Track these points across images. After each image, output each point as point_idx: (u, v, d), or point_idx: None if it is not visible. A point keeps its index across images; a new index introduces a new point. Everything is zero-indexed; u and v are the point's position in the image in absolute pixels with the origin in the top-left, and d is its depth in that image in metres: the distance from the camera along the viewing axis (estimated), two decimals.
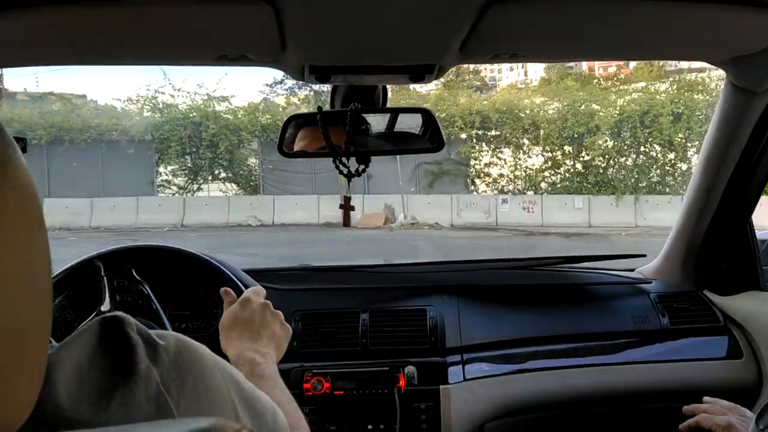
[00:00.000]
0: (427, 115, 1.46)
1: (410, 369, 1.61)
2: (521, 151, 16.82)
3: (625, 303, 1.83)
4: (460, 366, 1.66)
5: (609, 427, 1.74)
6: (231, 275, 1.62)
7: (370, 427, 1.58)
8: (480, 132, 16.52)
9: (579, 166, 16.34)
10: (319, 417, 1.58)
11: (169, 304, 1.75)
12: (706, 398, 1.31)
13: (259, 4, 0.92)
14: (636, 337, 1.77)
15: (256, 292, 1.13)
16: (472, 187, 17.36)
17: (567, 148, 16.23)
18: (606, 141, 15.84)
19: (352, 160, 1.42)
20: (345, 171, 1.42)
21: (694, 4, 0.99)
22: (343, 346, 1.68)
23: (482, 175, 17.19)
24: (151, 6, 0.93)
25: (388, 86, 1.47)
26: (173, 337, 0.56)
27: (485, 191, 17.43)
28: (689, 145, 15.10)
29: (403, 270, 2.04)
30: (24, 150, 0.73)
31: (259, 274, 1.84)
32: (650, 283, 1.91)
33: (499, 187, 17.13)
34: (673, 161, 15.84)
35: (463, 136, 16.21)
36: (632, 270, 2.05)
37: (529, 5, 0.97)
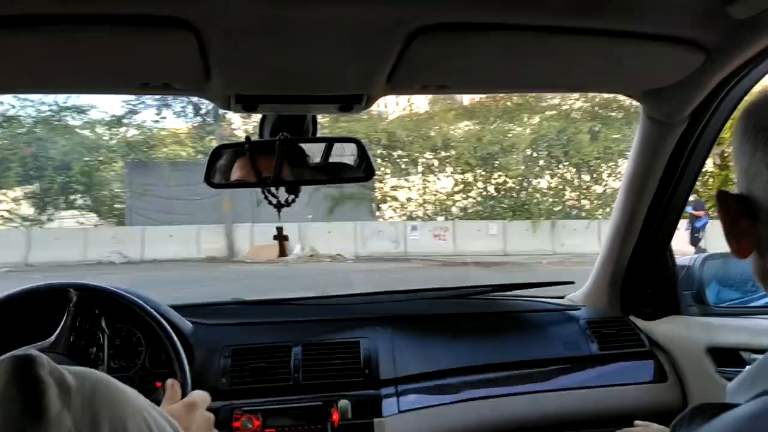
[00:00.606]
0: (357, 144, 1.46)
1: (344, 403, 1.58)
2: (431, 172, 16.15)
3: (557, 330, 1.86)
4: (395, 398, 1.64)
5: None
6: (155, 313, 1.55)
7: None
8: (386, 152, 15.55)
9: (492, 188, 16.06)
10: None
11: (90, 343, 1.66)
12: (637, 422, 1.33)
13: (180, 30, 0.90)
14: (567, 363, 1.79)
15: (203, 399, 1.07)
16: (378, 213, 16.40)
17: (479, 170, 15.87)
18: (519, 162, 15.70)
19: (282, 190, 1.41)
20: (274, 201, 1.40)
21: (610, 39, 1.04)
22: (275, 381, 1.63)
23: (389, 199, 16.34)
24: (72, 31, 0.90)
25: (318, 115, 1.46)
26: (92, 377, 0.54)
27: (392, 217, 16.51)
28: (604, 166, 15.52)
29: (335, 302, 2.01)
30: None
31: (185, 309, 1.78)
32: (579, 309, 1.95)
33: (408, 213, 16.29)
34: (588, 183, 16.08)
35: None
36: (562, 297, 2.09)
37: (453, 37, 0.99)
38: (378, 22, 0.93)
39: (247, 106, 1.22)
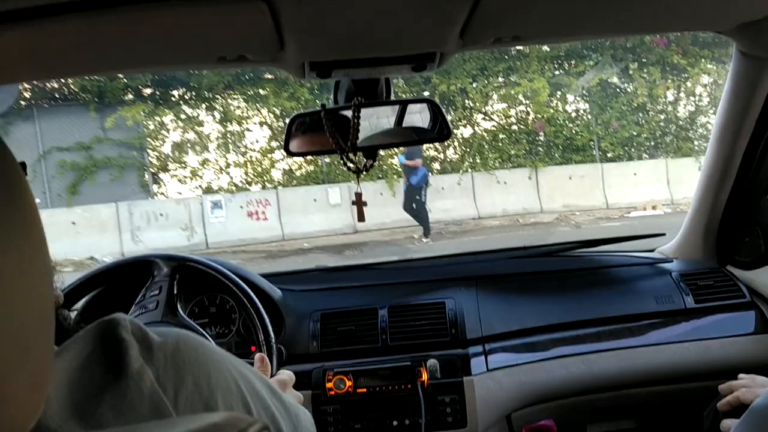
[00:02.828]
0: (432, 106, 1.44)
1: (432, 362, 1.60)
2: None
3: (647, 284, 1.80)
4: (483, 357, 1.65)
5: (637, 409, 1.71)
6: (241, 283, 1.61)
7: (395, 423, 1.57)
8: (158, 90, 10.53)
9: None
10: (343, 416, 1.58)
11: (186, 311, 1.76)
12: (741, 375, 1.28)
13: (254, 2, 0.91)
14: (660, 317, 1.74)
15: (291, 378, 1.12)
16: (156, 188, 12.20)
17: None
18: None
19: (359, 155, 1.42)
20: (353, 167, 1.41)
21: None
22: (363, 343, 1.67)
23: (172, 165, 11.87)
24: (148, 12, 0.93)
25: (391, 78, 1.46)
26: (175, 334, 0.56)
27: (180, 192, 12.07)
28: None
29: (418, 264, 2.03)
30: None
31: (275, 278, 1.84)
32: (671, 262, 1.88)
33: (205, 184, 11.99)
34: None
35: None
36: (652, 250, 2.02)
37: None
38: None
39: (320, 72, 1.23)
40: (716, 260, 1.83)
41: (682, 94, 15.82)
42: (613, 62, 14.52)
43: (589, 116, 15.20)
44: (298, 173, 12.91)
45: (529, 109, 15.05)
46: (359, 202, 1.46)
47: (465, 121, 15.41)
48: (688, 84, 15.52)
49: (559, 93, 15.12)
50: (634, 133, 15.07)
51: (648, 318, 1.73)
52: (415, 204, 10.94)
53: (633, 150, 15.46)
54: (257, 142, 12.58)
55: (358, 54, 1.20)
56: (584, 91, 15.04)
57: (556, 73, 15.01)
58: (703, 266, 1.83)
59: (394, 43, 1.17)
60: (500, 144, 14.99)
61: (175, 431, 0.37)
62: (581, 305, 1.77)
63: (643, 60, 14.63)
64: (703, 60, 14.63)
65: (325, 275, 2.00)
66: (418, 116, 1.53)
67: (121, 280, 1.65)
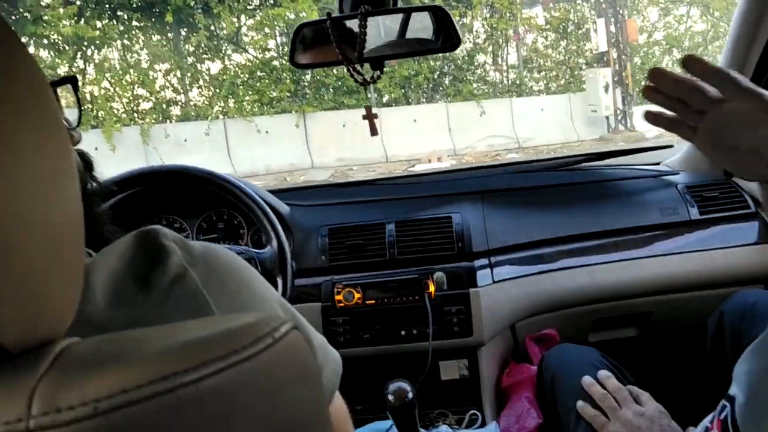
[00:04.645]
0: (440, 12, 1.39)
1: (439, 275, 1.62)
2: None
3: (653, 196, 1.81)
4: (489, 269, 1.67)
5: (639, 318, 1.76)
6: (255, 196, 1.62)
7: (403, 332, 1.61)
8: None
9: None
10: (352, 326, 1.62)
11: (195, 228, 1.77)
12: (619, 387, 1.25)
13: None
14: (665, 229, 1.75)
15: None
16: None
17: None
18: None
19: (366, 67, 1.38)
20: (360, 78, 1.39)
21: None
22: (371, 257, 1.70)
23: None
24: None
25: None
26: (212, 245, 0.58)
27: None
28: None
29: (425, 179, 2.03)
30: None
31: (281, 193, 1.84)
32: (677, 174, 1.88)
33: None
34: None
35: None
36: (658, 163, 2.01)
37: None
38: None
39: None
40: (723, 171, 1.83)
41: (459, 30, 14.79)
42: None
43: None
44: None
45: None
46: (370, 116, 1.44)
47: (212, 54, 12.62)
48: (466, 20, 14.06)
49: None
50: (413, 72, 13.19)
51: (653, 230, 1.75)
52: None
53: (411, 93, 13.67)
54: None
55: None
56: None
57: None
58: (709, 178, 1.83)
59: None
60: (258, 84, 12.55)
61: (215, 329, 0.38)
62: (586, 218, 1.78)
63: None
64: None
65: (331, 190, 2.00)
66: (421, 26, 1.48)
67: (153, 186, 1.64)
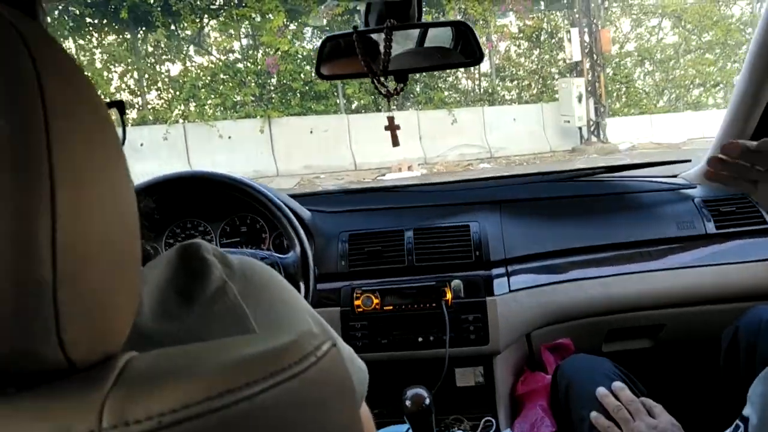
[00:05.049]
0: (463, 27, 1.42)
1: (456, 282, 1.65)
2: None
3: (669, 209, 1.82)
4: (505, 278, 1.70)
5: (652, 330, 1.78)
6: (279, 201, 1.66)
7: (420, 339, 1.64)
8: None
9: None
10: (371, 331, 1.65)
11: (218, 231, 1.81)
12: (632, 399, 1.28)
13: None
14: (681, 242, 1.77)
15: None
16: None
17: None
18: None
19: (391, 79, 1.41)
20: (384, 91, 1.42)
21: None
22: (390, 263, 1.73)
23: None
24: None
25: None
26: (249, 259, 0.60)
27: None
28: None
29: (443, 188, 2.05)
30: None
31: (302, 198, 1.88)
32: (695, 188, 1.89)
33: None
34: None
35: None
36: (675, 176, 2.03)
37: None
38: None
39: None
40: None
41: None
42: None
43: None
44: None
45: (258, 40, 12.14)
46: (392, 127, 1.47)
47: (172, 54, 11.88)
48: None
49: (296, 22, 12.13)
50: None
51: (668, 243, 1.77)
52: None
53: (381, 99, 12.80)
54: None
55: None
56: (325, 21, 12.26)
57: None
58: (726, 192, 1.84)
59: None
60: (221, 87, 12.00)
61: (263, 346, 0.40)
62: (603, 229, 1.80)
63: None
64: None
65: (350, 197, 2.03)
66: (439, 39, 1.51)
67: (170, 193, 1.69)
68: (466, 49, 1.44)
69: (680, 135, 12.88)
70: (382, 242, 1.75)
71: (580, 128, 13.56)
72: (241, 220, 1.81)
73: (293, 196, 1.85)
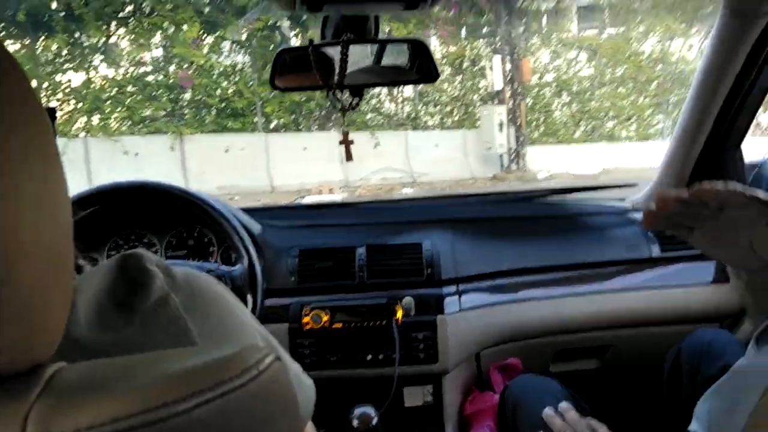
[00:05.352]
0: (419, 46, 1.43)
1: (407, 300, 1.64)
2: None
3: (618, 232, 1.86)
4: (456, 297, 1.70)
5: (600, 351, 1.80)
6: (227, 214, 1.62)
7: (369, 357, 1.62)
8: None
9: None
10: (319, 348, 1.62)
11: (164, 243, 1.76)
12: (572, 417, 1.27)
13: None
14: (627, 265, 1.80)
15: None
16: None
17: None
18: None
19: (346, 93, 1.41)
20: (339, 105, 1.41)
21: None
22: (341, 279, 1.71)
23: None
24: None
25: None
26: (193, 271, 0.58)
27: None
28: None
29: (396, 205, 2.06)
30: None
31: (254, 212, 1.85)
32: (641, 212, 1.94)
33: None
34: None
35: None
36: (623, 200, 2.07)
37: None
38: None
39: (311, 6, 1.20)
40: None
41: None
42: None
43: (251, 70, 11.78)
44: None
45: (170, 51, 11.30)
46: (346, 141, 1.46)
47: (75, 64, 10.89)
48: None
49: (214, 35, 11.47)
50: (304, 99, 12.18)
51: (616, 265, 1.80)
52: None
53: (302, 119, 12.70)
54: None
55: None
56: (245, 36, 11.74)
57: (208, 7, 11.08)
58: None
59: None
60: (129, 100, 11.14)
61: (202, 359, 0.39)
62: (554, 250, 1.82)
63: None
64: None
65: (303, 212, 2.01)
66: (396, 56, 1.52)
67: (114, 203, 1.64)
68: (422, 67, 1.45)
69: (596, 166, 13.17)
70: (333, 259, 1.73)
71: (501, 156, 13.70)
72: (189, 233, 1.77)
73: (246, 210, 1.82)
